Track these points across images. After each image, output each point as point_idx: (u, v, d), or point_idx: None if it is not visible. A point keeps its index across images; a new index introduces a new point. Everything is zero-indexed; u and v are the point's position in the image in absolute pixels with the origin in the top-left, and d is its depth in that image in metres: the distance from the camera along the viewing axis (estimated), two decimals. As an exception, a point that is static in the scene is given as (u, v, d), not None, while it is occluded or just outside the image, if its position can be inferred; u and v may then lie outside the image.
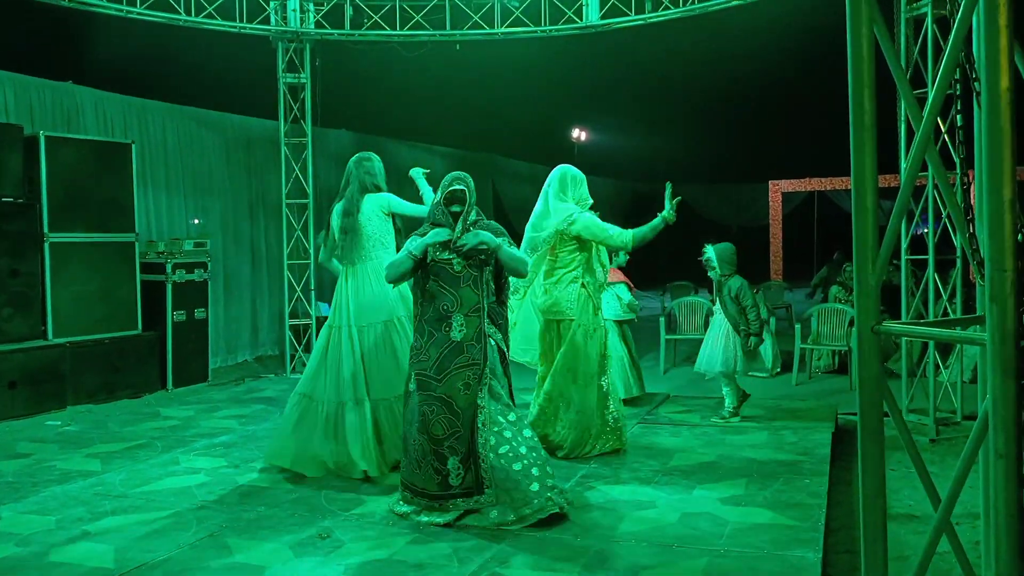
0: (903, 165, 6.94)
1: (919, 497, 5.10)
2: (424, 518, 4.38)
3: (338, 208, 5.54)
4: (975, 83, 1.73)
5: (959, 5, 1.72)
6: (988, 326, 1.60)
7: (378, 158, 5.69)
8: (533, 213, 5.85)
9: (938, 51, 6.65)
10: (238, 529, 4.32)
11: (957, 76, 1.96)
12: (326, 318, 5.67)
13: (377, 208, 5.48)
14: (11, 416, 7.13)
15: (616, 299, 7.39)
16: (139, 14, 8.85)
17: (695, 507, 4.59)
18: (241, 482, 5.19)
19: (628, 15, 9.45)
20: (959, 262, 7.11)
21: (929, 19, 6.64)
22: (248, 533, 4.27)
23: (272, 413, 7.37)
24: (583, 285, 5.62)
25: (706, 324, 7.25)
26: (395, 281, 4.71)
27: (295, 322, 10.00)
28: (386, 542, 4.16)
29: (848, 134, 1.93)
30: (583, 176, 5.83)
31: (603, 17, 9.61)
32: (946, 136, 6.80)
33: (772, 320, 10.01)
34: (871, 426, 1.89)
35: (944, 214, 6.99)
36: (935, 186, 6.85)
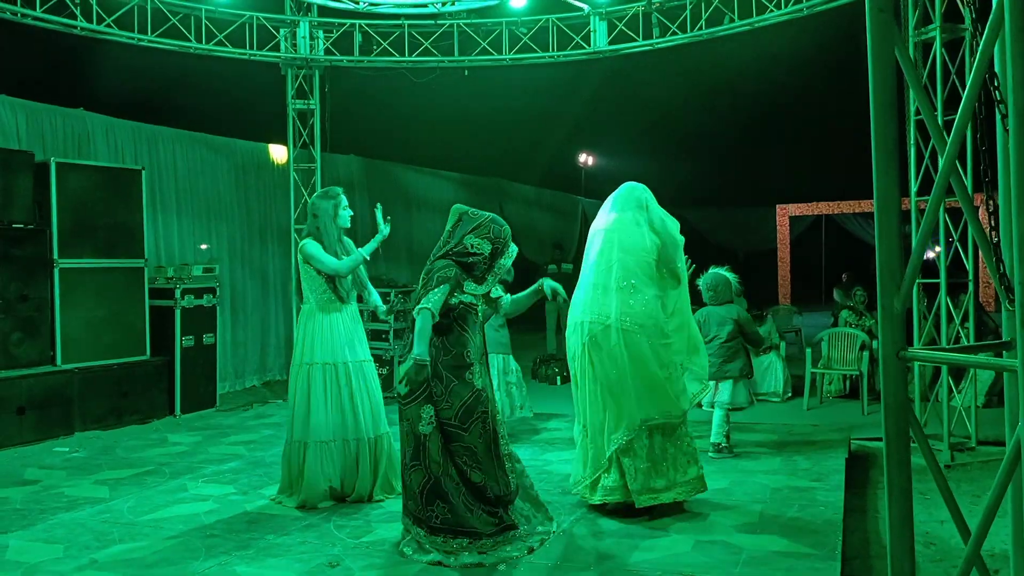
0: (913, 188, 6.93)
1: (934, 523, 5.03)
2: (468, 558, 4.16)
3: None
4: (1000, 105, 1.71)
5: (982, 28, 1.70)
6: (1019, 352, 1.57)
7: (334, 194, 5.45)
8: (640, 244, 5.03)
9: (947, 75, 6.66)
10: (247, 557, 4.28)
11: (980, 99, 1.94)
12: None
13: (298, 254, 5.38)
14: (19, 442, 7.10)
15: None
16: (150, 42, 8.94)
17: (709, 534, 4.53)
18: (250, 509, 5.15)
19: (636, 40, 9.51)
20: (971, 286, 7.07)
21: (937, 43, 6.65)
22: (257, 561, 4.22)
23: (280, 439, 7.32)
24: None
25: None
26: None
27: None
28: (396, 571, 4.10)
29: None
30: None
31: (611, 43, 9.67)
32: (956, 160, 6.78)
33: (782, 345, 9.95)
34: (897, 453, 1.86)
35: (955, 237, 6.96)
36: (947, 209, 6.83)
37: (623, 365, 4.79)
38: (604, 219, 5.17)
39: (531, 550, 4.24)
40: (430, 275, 4.30)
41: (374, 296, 5.65)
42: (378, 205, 5.62)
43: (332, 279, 5.34)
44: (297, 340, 5.41)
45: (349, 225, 5.47)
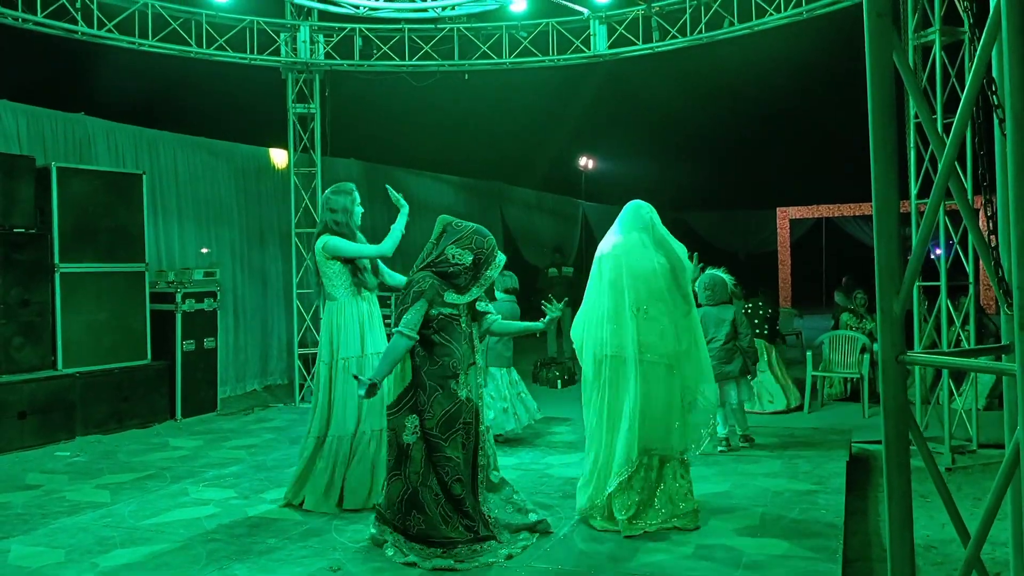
0: (913, 190, 6.93)
1: (935, 526, 5.03)
2: (440, 563, 4.19)
3: None
4: (997, 110, 1.71)
5: (979, 32, 1.70)
6: (1017, 355, 1.57)
7: (348, 189, 5.43)
8: (644, 270, 4.92)
9: (947, 78, 6.67)
10: (248, 562, 4.28)
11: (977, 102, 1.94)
12: None
13: (320, 251, 5.31)
14: (21, 447, 7.10)
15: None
16: (151, 46, 8.95)
17: (710, 538, 4.53)
18: (251, 513, 5.14)
19: (636, 44, 9.51)
20: (972, 288, 7.07)
21: (937, 46, 6.66)
22: (258, 566, 4.22)
23: (281, 443, 7.33)
24: None
25: None
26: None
27: (304, 351, 9.98)
28: (397, 574, 4.11)
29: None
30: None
31: (611, 47, 9.67)
32: (955, 163, 6.79)
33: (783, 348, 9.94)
34: (897, 457, 1.86)
35: (955, 239, 6.97)
36: (947, 212, 6.83)
37: (637, 397, 4.72)
38: (611, 241, 5.05)
39: (510, 556, 4.24)
40: (408, 288, 4.35)
41: (397, 277, 5.53)
42: (387, 186, 5.68)
43: (356, 270, 5.30)
44: (328, 335, 5.30)
45: (360, 222, 5.46)
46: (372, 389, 4.18)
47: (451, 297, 4.33)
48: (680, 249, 5.04)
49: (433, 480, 4.27)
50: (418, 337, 4.23)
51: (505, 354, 7.20)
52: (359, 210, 5.44)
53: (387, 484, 4.36)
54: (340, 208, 5.34)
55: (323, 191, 10.07)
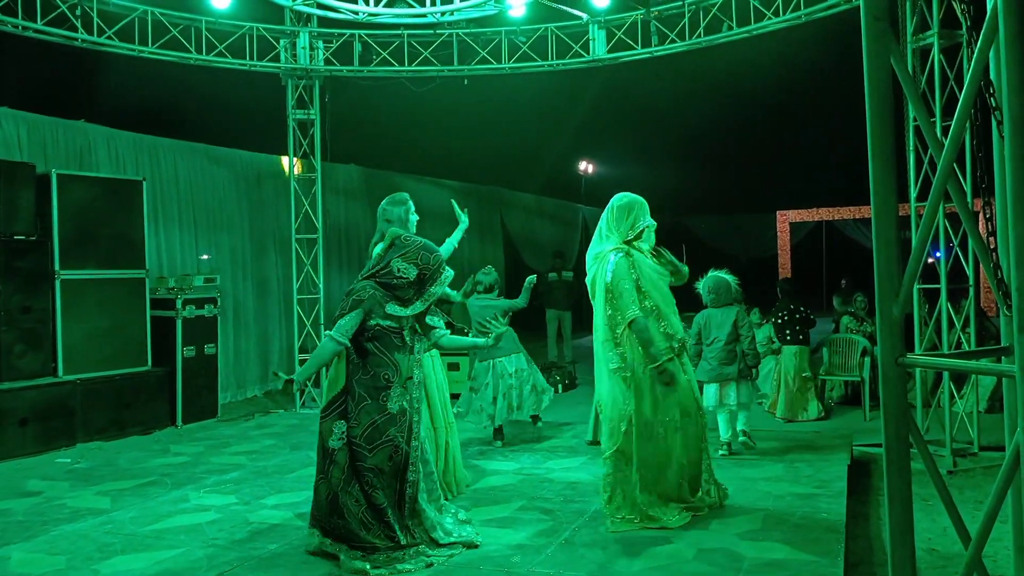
0: (912, 193, 6.93)
1: (937, 530, 5.03)
2: (359, 565, 4.20)
3: None
4: (996, 112, 1.72)
5: (977, 35, 1.71)
6: (1017, 357, 1.57)
7: (403, 199, 5.45)
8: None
9: (945, 80, 6.67)
10: (249, 568, 4.27)
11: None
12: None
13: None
14: (21, 454, 7.10)
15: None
16: (151, 53, 8.96)
17: (712, 542, 4.52)
18: (252, 519, 5.14)
19: (635, 49, 9.53)
20: (972, 291, 7.07)
21: (935, 49, 6.67)
22: (259, 572, 4.22)
23: (282, 448, 7.33)
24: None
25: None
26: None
27: (305, 356, 9.98)
28: (399, 580, 4.10)
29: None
30: (631, 200, 5.15)
31: (610, 51, 9.69)
32: (954, 165, 6.78)
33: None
34: (897, 460, 1.86)
35: (955, 242, 6.97)
36: (947, 215, 6.83)
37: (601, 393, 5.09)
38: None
39: (429, 565, 4.24)
40: (348, 296, 4.42)
41: (450, 291, 5.81)
42: (452, 200, 6.06)
43: None
44: None
45: (415, 230, 5.49)
46: (288, 384, 4.28)
47: (393, 309, 4.39)
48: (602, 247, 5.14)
49: (355, 487, 4.31)
50: (348, 343, 4.29)
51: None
52: (414, 219, 5.45)
53: (317, 485, 4.44)
54: (396, 219, 5.34)
55: (323, 196, 10.19)
